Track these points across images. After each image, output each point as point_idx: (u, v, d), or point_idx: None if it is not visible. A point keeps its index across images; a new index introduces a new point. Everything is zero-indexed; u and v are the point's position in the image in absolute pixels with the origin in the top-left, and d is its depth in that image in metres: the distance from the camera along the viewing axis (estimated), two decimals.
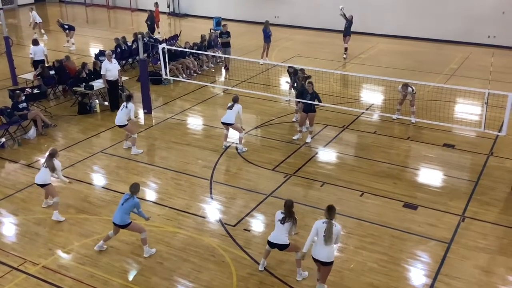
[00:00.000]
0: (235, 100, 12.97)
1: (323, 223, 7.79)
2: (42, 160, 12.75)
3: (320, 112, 14.18)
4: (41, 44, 18.39)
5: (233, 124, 12.91)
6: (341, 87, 17.50)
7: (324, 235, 7.71)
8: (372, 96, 17.28)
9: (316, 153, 13.12)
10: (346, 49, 21.15)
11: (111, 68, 15.45)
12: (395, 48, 22.99)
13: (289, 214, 8.29)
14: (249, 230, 9.97)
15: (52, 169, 10.26)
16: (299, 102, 13.75)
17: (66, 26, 23.03)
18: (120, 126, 12.97)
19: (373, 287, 8.38)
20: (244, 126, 14.24)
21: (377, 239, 9.62)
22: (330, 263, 7.89)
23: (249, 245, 9.48)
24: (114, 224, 9.00)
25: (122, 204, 8.89)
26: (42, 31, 25.27)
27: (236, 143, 13.22)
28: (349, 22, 21.04)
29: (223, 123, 13.07)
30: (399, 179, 11.79)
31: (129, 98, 13.03)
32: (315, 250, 7.90)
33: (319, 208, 10.59)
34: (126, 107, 12.81)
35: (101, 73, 15.59)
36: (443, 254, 9.21)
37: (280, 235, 8.32)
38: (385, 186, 11.44)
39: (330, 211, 7.81)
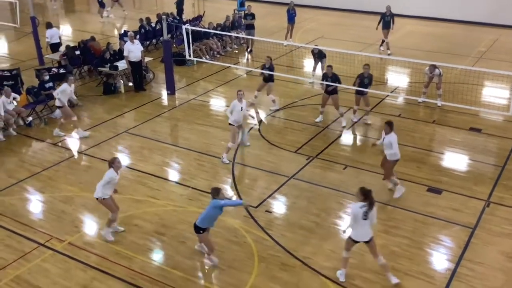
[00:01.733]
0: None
1: (360, 207, 7.73)
2: (68, 139, 13.00)
3: (344, 95, 14.05)
4: (55, 28, 18.45)
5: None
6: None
7: (364, 218, 7.73)
8: (397, 78, 17.02)
9: (339, 136, 13.03)
10: (387, 43, 19.13)
11: (133, 49, 15.51)
12: (422, 30, 22.53)
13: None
14: (270, 212, 10.00)
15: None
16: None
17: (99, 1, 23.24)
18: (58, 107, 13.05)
19: (395, 270, 8.35)
20: (267, 109, 14.20)
21: (400, 223, 9.57)
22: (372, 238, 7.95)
23: (271, 226, 9.52)
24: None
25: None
26: (123, 8, 25.12)
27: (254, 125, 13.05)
28: (390, 14, 19.11)
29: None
30: (424, 163, 11.65)
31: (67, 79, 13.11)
32: (356, 233, 7.90)
33: (341, 191, 10.56)
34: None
35: (124, 54, 15.68)
36: (466, 239, 9.11)
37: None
38: (409, 170, 11.32)
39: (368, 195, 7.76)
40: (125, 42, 17.33)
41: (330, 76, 12.99)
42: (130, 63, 15.60)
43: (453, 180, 10.96)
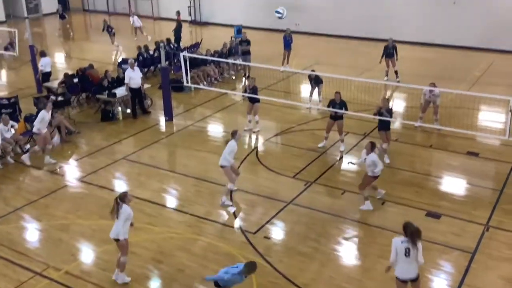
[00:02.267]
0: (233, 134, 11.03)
1: (402, 242, 7.44)
2: (66, 166, 12.98)
3: (345, 121, 14.11)
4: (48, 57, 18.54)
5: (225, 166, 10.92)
6: (362, 94, 17.36)
7: (406, 255, 7.38)
8: (394, 103, 17.12)
9: (337, 161, 13.04)
10: (396, 72, 18.87)
11: (134, 76, 15.68)
12: (417, 55, 22.78)
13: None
14: (269, 238, 9.94)
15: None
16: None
17: (111, 30, 23.49)
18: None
19: None
20: (265, 134, 14.25)
21: None
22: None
23: (269, 252, 9.45)
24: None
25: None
26: (145, 33, 25.61)
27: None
28: (393, 46, 18.91)
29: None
30: (422, 187, 11.64)
31: (44, 105, 13.15)
32: (402, 270, 7.52)
33: (340, 216, 10.52)
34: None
35: (125, 81, 15.81)
36: (466, 264, 9.05)
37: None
38: (407, 194, 11.31)
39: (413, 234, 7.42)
40: (124, 69, 17.52)
41: (338, 103, 13.08)
42: (131, 89, 15.73)
43: (452, 205, 10.94)
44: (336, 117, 13.26)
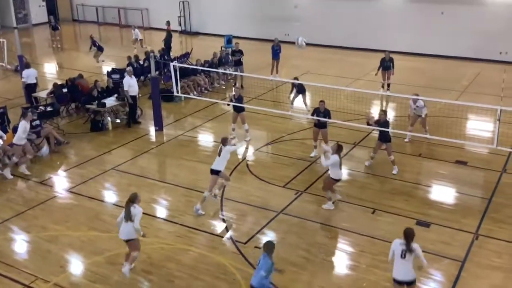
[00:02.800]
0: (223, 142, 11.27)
1: (400, 244, 7.72)
2: (54, 177, 12.89)
3: (331, 129, 14.16)
4: (32, 68, 18.22)
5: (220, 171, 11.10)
6: (352, 103, 17.48)
7: (402, 257, 7.68)
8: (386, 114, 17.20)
9: (327, 170, 13.04)
10: (389, 85, 18.76)
11: (133, 84, 15.97)
12: (406, 65, 22.93)
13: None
14: (260, 248, 9.89)
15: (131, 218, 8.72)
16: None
17: (97, 45, 23.31)
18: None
19: None
20: (255, 143, 14.28)
21: None
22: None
23: None
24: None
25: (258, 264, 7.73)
26: (145, 45, 25.38)
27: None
28: (390, 59, 18.80)
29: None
30: (411, 196, 11.69)
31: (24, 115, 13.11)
32: (398, 271, 7.77)
33: (331, 226, 10.53)
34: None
35: (125, 89, 15.96)
36: (456, 273, 9.08)
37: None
38: (397, 203, 11.35)
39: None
40: (114, 79, 17.55)
41: (322, 112, 13.12)
42: (131, 97, 15.96)
43: (441, 213, 10.99)
44: (320, 126, 13.32)
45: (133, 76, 16.24)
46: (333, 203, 11.18)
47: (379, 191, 11.83)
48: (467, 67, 22.31)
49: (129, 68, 16.77)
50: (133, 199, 8.75)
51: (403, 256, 7.67)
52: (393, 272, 7.85)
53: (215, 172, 10.96)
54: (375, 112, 17.22)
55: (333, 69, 22.09)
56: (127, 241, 8.82)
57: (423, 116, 14.20)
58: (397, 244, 7.75)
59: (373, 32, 24.80)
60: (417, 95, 14.15)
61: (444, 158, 13.54)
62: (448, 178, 12.57)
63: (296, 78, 16.49)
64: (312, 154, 13.69)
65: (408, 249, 7.62)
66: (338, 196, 11.33)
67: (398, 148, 14.20)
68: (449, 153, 13.75)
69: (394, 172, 12.70)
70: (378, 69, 18.85)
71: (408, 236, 7.69)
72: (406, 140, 14.57)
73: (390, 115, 16.95)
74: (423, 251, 9.54)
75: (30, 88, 17.53)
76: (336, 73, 21.37)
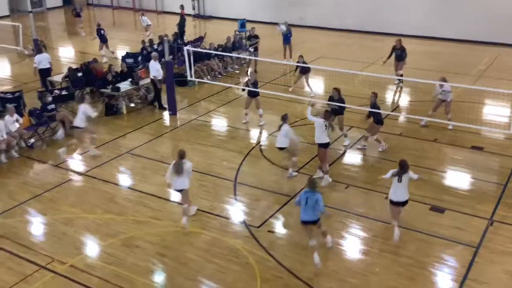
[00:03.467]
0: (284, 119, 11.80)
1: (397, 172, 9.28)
2: (70, 160, 13.02)
3: (345, 114, 14.06)
4: (45, 53, 18.23)
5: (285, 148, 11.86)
6: (366, 88, 17.33)
7: (399, 181, 9.28)
8: (397, 97, 17.07)
9: (341, 155, 13.03)
10: (401, 76, 17.39)
11: (159, 68, 16.01)
12: (421, 49, 22.67)
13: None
14: (273, 232, 9.96)
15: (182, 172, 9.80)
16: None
17: (102, 32, 22.22)
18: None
19: None
20: (268, 128, 14.29)
21: (403, 242, 9.50)
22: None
23: (273, 246, 9.47)
24: (306, 222, 8.84)
25: (307, 203, 8.71)
26: (148, 33, 24.64)
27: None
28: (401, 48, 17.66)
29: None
30: (426, 181, 11.58)
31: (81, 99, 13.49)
32: (395, 195, 9.34)
33: (344, 211, 10.52)
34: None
35: (152, 74, 16.00)
36: (470, 258, 9.05)
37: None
38: (411, 189, 11.17)
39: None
40: (127, 63, 17.63)
41: (336, 99, 13.02)
42: (159, 81, 16.07)
43: (456, 199, 10.92)
44: (336, 112, 13.19)
45: (157, 61, 16.24)
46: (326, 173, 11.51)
47: None
48: (484, 51, 21.96)
49: (155, 53, 16.78)
50: (182, 155, 9.89)
51: (399, 180, 9.24)
52: (390, 195, 9.40)
53: (280, 149, 11.71)
54: (390, 98, 17.10)
55: (347, 53, 21.89)
56: (180, 191, 9.94)
57: (448, 100, 13.99)
58: (395, 171, 9.29)
59: (386, 16, 24.48)
60: (444, 78, 13.94)
61: (460, 144, 13.41)
62: (463, 164, 12.47)
63: (300, 56, 16.67)
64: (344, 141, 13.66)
65: (404, 175, 9.20)
66: (328, 178, 11.53)
67: (413, 133, 14.12)
68: (465, 139, 13.61)
69: (345, 143, 13.29)
70: (388, 57, 17.79)
71: (404, 166, 9.27)
72: (422, 123, 14.43)
73: (405, 100, 16.79)
74: (437, 237, 9.61)
75: (43, 73, 17.60)
76: (350, 57, 21.18)
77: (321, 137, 11.32)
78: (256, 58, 19.30)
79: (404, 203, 9.42)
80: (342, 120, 13.33)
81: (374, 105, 12.70)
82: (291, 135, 11.70)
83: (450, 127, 14.13)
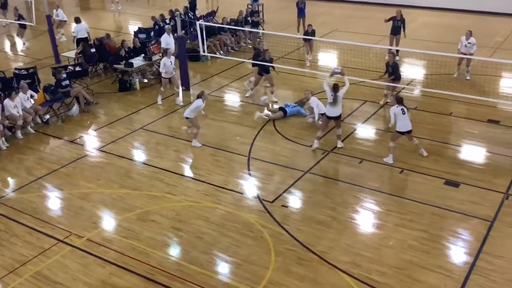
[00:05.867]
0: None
1: (397, 107, 10.95)
2: (85, 136, 13.14)
3: (359, 88, 13.99)
4: (83, 22, 18.61)
5: None
6: (381, 62, 17.14)
7: (403, 113, 10.94)
8: (413, 71, 16.86)
9: (355, 130, 12.97)
10: (397, 52, 16.87)
11: (170, 42, 15.76)
12: (437, 21, 22.27)
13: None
14: (286, 207, 10.00)
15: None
16: None
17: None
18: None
19: (412, 264, 8.32)
20: (282, 102, 14.21)
21: (417, 216, 9.49)
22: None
23: (287, 221, 9.52)
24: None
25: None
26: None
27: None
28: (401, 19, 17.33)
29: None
30: (441, 155, 11.54)
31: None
32: (403, 127, 11.00)
33: (357, 185, 10.52)
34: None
35: (162, 46, 15.85)
36: (485, 232, 9.02)
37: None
38: (426, 163, 11.23)
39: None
40: (140, 39, 17.56)
41: (391, 64, 13.60)
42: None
43: (471, 173, 10.85)
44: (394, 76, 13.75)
45: (171, 34, 16.02)
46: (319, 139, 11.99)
47: (408, 151, 11.68)
48: (502, 23, 21.48)
49: (168, 26, 16.60)
50: (200, 95, 11.97)
51: (404, 113, 10.93)
52: (397, 127, 11.02)
53: (337, 118, 11.89)
54: (409, 71, 16.91)
55: (360, 26, 21.55)
56: (186, 118, 12.08)
57: (472, 52, 14.77)
58: (396, 108, 10.97)
59: None
60: (471, 32, 14.78)
61: (476, 117, 13.25)
62: (479, 138, 12.34)
63: (309, 25, 17.00)
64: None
65: (407, 108, 11.00)
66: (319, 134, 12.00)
67: (428, 107, 13.96)
68: (481, 112, 13.44)
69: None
70: (387, 20, 17.34)
71: (401, 99, 11.06)
72: (455, 75, 15.25)
73: (420, 74, 16.58)
74: (451, 211, 9.59)
75: (80, 43, 17.68)
76: (364, 30, 20.86)
77: (325, 109, 11.96)
78: (263, 31, 19.00)
79: (410, 131, 11.09)
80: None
81: (393, 64, 13.48)
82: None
83: (467, 77, 15.16)
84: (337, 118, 11.74)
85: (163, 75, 14.66)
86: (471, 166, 11.17)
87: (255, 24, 19.89)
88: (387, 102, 13.94)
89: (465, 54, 14.91)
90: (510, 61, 13.78)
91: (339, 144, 11.99)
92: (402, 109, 10.88)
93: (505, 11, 22.35)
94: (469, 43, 14.86)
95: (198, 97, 12.10)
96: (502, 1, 22.30)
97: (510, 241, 8.81)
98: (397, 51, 16.93)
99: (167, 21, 20.18)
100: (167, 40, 15.71)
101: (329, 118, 11.76)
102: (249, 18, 20.27)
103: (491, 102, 13.38)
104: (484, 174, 10.80)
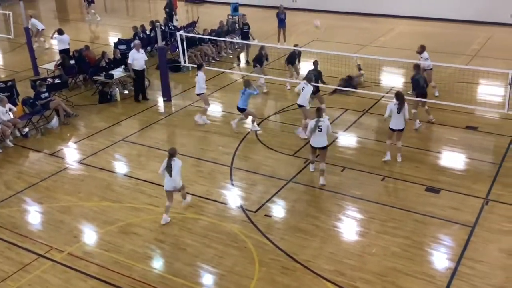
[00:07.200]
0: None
1: (395, 104, 11.07)
2: (65, 149, 12.98)
3: (340, 97, 14.09)
4: (66, 34, 18.51)
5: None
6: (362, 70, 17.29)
7: (398, 112, 11.06)
8: (392, 79, 17.06)
9: (337, 138, 13.04)
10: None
11: (138, 58, 15.34)
12: (415, 30, 22.61)
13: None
14: (270, 216, 9.99)
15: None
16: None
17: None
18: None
19: (396, 271, 8.36)
20: (264, 112, 14.28)
21: (400, 223, 9.56)
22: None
23: (270, 230, 9.51)
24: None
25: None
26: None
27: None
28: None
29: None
30: (421, 162, 11.66)
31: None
32: (396, 125, 11.21)
33: (340, 193, 10.56)
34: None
35: (128, 62, 15.45)
36: (466, 237, 9.12)
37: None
38: (407, 170, 11.34)
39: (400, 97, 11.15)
40: (121, 50, 17.44)
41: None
42: (134, 71, 15.41)
43: (451, 179, 10.97)
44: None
45: (141, 50, 15.56)
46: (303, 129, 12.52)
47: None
48: (478, 31, 21.91)
49: (137, 41, 16.20)
50: (173, 154, 9.54)
51: (398, 111, 11.01)
52: (390, 124, 11.24)
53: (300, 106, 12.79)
54: (388, 80, 17.07)
55: (341, 36, 21.79)
56: (170, 191, 9.75)
57: (426, 68, 14.19)
58: (393, 104, 11.09)
59: None
60: (421, 46, 14.49)
61: (455, 124, 13.44)
62: (458, 144, 12.50)
63: (296, 45, 16.61)
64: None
65: (402, 106, 10.98)
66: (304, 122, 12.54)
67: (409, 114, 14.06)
68: (459, 119, 13.64)
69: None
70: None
71: (401, 97, 11.07)
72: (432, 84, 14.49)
73: (400, 81, 16.77)
74: (433, 217, 9.68)
75: (64, 53, 17.64)
76: (344, 39, 21.08)
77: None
78: (247, 42, 19.10)
79: (401, 130, 11.28)
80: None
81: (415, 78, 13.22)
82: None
83: (436, 93, 14.56)
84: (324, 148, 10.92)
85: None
86: (451, 172, 11.31)
87: (245, 35, 19.90)
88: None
89: (425, 69, 14.20)
90: (486, 68, 14.04)
91: (322, 180, 10.85)
92: (398, 107, 11.01)
93: (481, 19, 22.79)
94: (421, 57, 14.20)
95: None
96: (478, 10, 22.75)
97: (491, 246, 8.92)
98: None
99: (147, 32, 20.15)
100: (134, 56, 15.29)
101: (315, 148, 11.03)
102: (237, 26, 20.34)
103: (469, 109, 13.59)
104: (464, 180, 10.94)
